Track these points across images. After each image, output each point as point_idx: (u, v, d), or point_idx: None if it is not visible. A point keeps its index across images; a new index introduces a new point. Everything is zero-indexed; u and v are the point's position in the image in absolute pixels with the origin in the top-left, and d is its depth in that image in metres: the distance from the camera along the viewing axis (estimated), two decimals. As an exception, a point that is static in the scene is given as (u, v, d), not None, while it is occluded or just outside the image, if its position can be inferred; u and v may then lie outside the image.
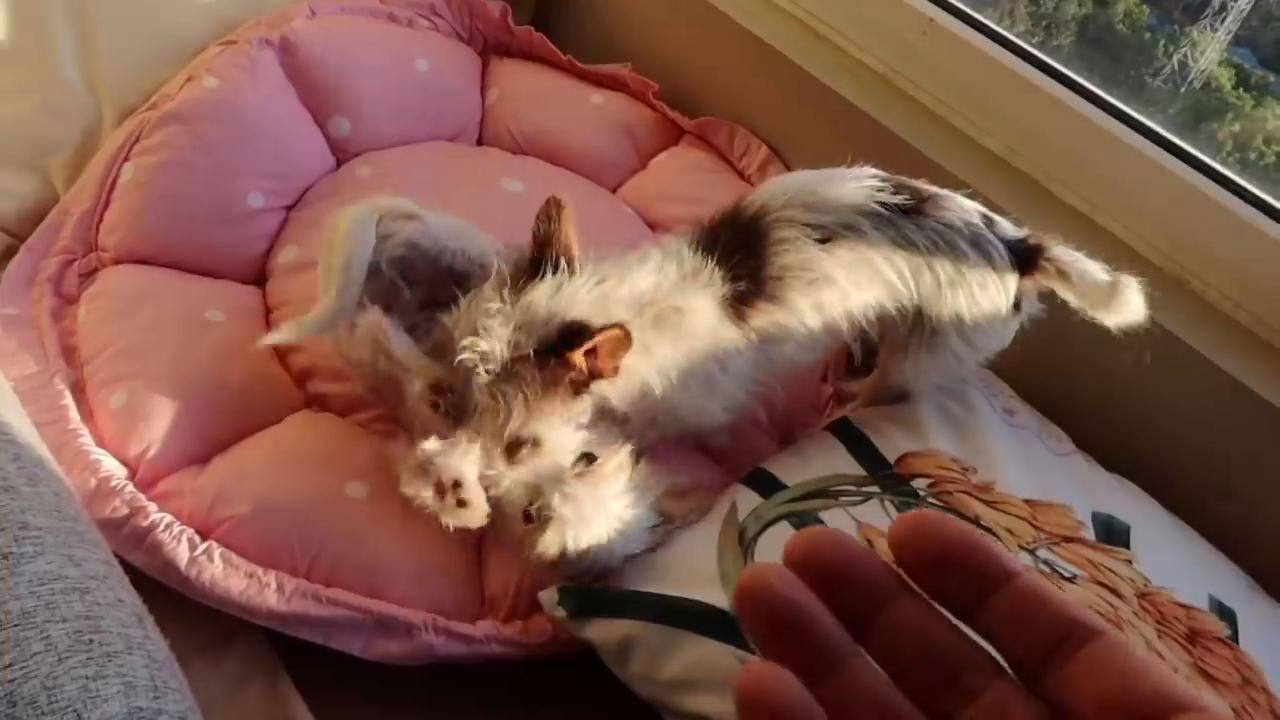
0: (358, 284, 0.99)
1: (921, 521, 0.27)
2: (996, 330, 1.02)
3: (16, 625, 0.72)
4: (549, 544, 0.92)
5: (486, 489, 0.93)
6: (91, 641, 0.75)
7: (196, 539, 0.96)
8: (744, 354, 0.97)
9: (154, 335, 1.09)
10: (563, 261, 0.90)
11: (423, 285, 1.03)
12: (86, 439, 1.01)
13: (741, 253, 0.96)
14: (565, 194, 0.96)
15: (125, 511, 0.96)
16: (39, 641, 0.72)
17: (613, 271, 0.93)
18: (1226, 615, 0.97)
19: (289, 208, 1.27)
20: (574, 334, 0.87)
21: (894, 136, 1.27)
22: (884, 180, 0.97)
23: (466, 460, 0.92)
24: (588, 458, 0.94)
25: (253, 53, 1.28)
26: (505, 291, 0.89)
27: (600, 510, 0.92)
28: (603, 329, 0.85)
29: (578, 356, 0.87)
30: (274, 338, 1.02)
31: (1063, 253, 0.99)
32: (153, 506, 0.97)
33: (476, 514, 0.93)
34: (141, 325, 1.10)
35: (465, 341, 0.88)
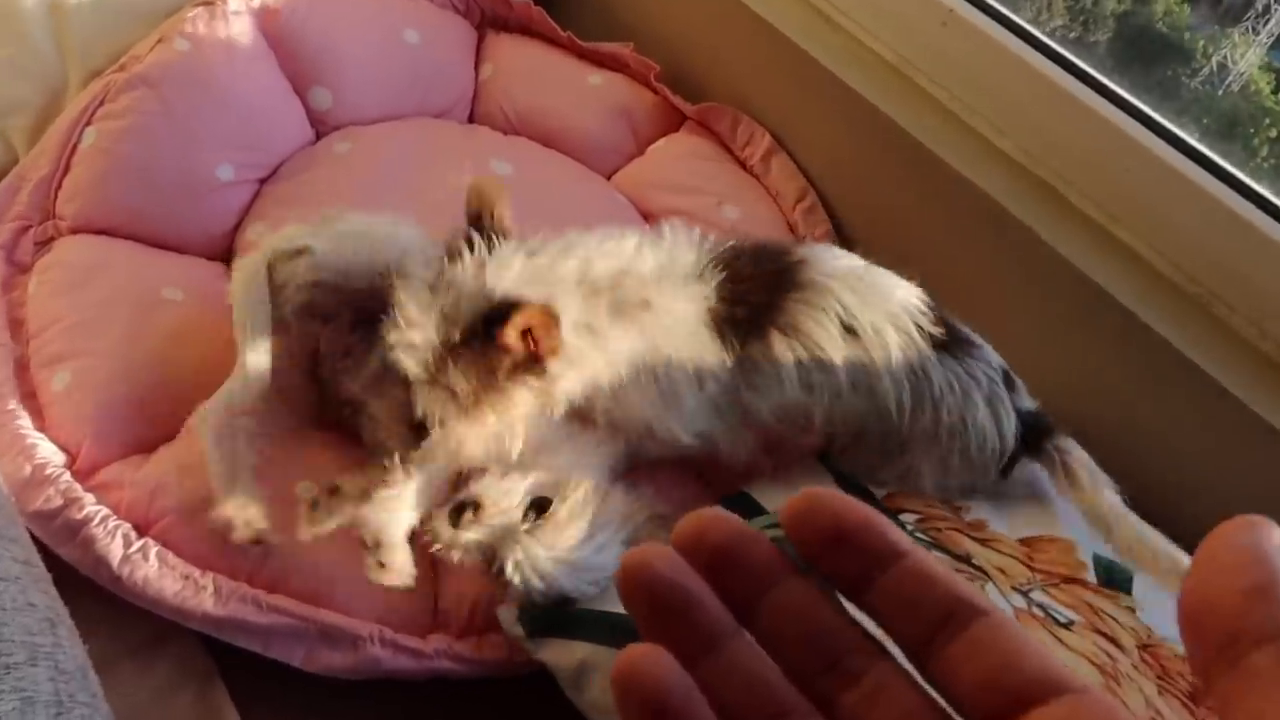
0: (263, 348, 0.90)
1: (814, 497, 0.27)
2: (974, 483, 0.96)
3: (-97, 633, 0.66)
4: (516, 596, 0.87)
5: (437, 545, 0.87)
6: (-11, 652, 0.69)
7: (132, 535, 0.90)
8: (721, 380, 0.89)
9: (106, 312, 1.03)
10: (494, 238, 0.82)
11: (345, 310, 0.94)
12: (24, 421, 0.96)
13: (757, 286, 0.89)
14: (552, 178, 0.92)
15: (59, 502, 0.91)
16: (-73, 652, 0.66)
17: (554, 246, 0.85)
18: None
19: (261, 181, 1.21)
20: (501, 313, 0.79)
21: (904, 133, 1.19)
22: (929, 306, 0.92)
23: (397, 515, 0.85)
24: (538, 505, 0.86)
25: (230, 15, 1.21)
26: (434, 278, 0.82)
27: (560, 564, 0.85)
28: (519, 306, 0.78)
29: (510, 337, 0.79)
30: (202, 413, 0.92)
31: (1073, 449, 0.94)
32: (89, 498, 0.92)
33: (400, 576, 0.86)
34: (94, 300, 1.04)
35: (390, 338, 0.81)
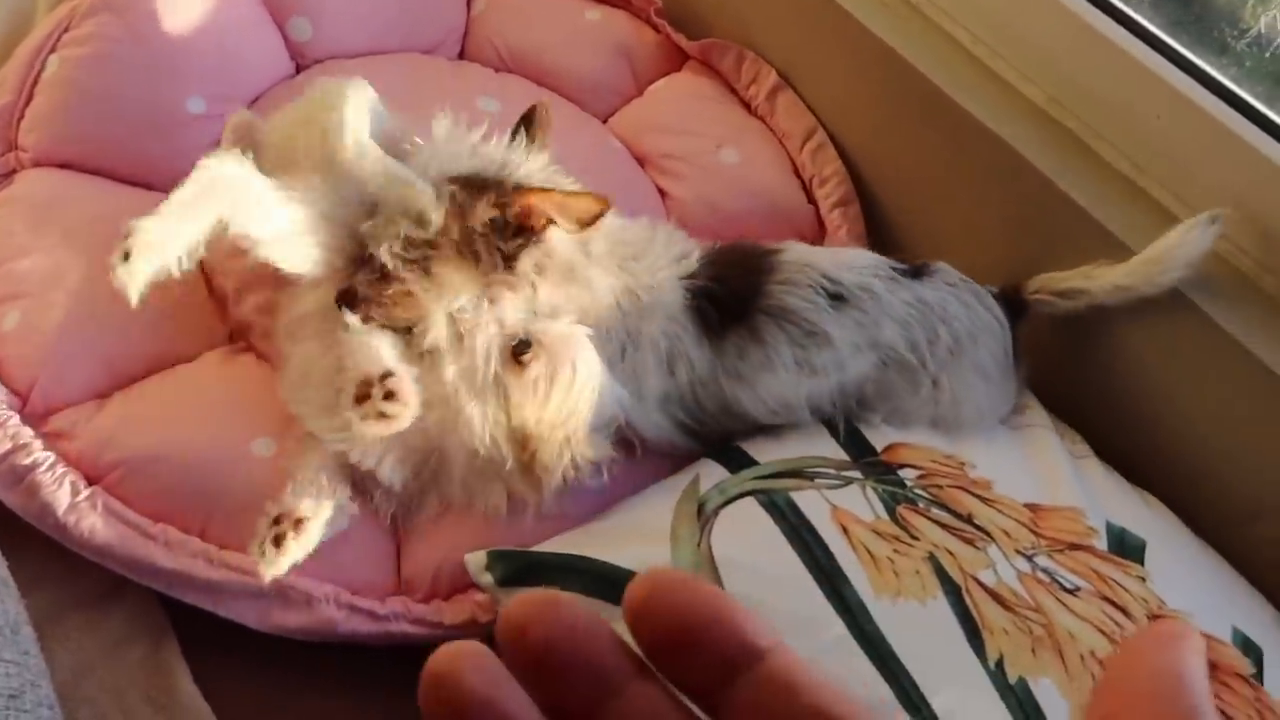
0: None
1: (655, 585, 0.22)
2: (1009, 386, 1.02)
3: None
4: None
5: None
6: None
7: (81, 484, 0.86)
8: (698, 367, 0.91)
9: (65, 250, 0.98)
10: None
11: None
12: (-26, 361, 0.91)
13: (739, 272, 0.93)
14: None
15: (6, 446, 0.87)
16: None
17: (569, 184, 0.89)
18: (1252, 652, 0.85)
19: (237, 115, 1.14)
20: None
21: (920, 75, 1.12)
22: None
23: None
24: (522, 347, 0.84)
25: (205, -62, 1.14)
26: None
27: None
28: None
29: (528, 199, 0.83)
30: None
31: (1043, 279, 1.01)
32: (37, 444, 0.88)
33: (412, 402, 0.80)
34: (53, 238, 0.99)
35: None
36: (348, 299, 0.85)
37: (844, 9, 1.17)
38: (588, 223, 0.83)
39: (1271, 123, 0.98)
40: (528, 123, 0.90)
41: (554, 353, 0.83)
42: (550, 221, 0.84)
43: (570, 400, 0.84)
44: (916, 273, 0.97)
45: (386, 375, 0.79)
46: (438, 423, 0.86)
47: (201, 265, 0.97)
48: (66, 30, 1.09)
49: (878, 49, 1.15)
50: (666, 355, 0.90)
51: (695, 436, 0.95)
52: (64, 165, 1.06)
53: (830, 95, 1.24)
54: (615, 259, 0.89)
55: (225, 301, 1.01)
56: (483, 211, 0.84)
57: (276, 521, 0.80)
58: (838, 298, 0.92)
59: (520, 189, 0.84)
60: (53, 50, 1.09)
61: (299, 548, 0.79)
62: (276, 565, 0.79)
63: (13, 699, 0.66)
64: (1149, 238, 1.00)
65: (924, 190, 1.19)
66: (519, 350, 0.84)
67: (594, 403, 0.84)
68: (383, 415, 0.78)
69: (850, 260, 0.97)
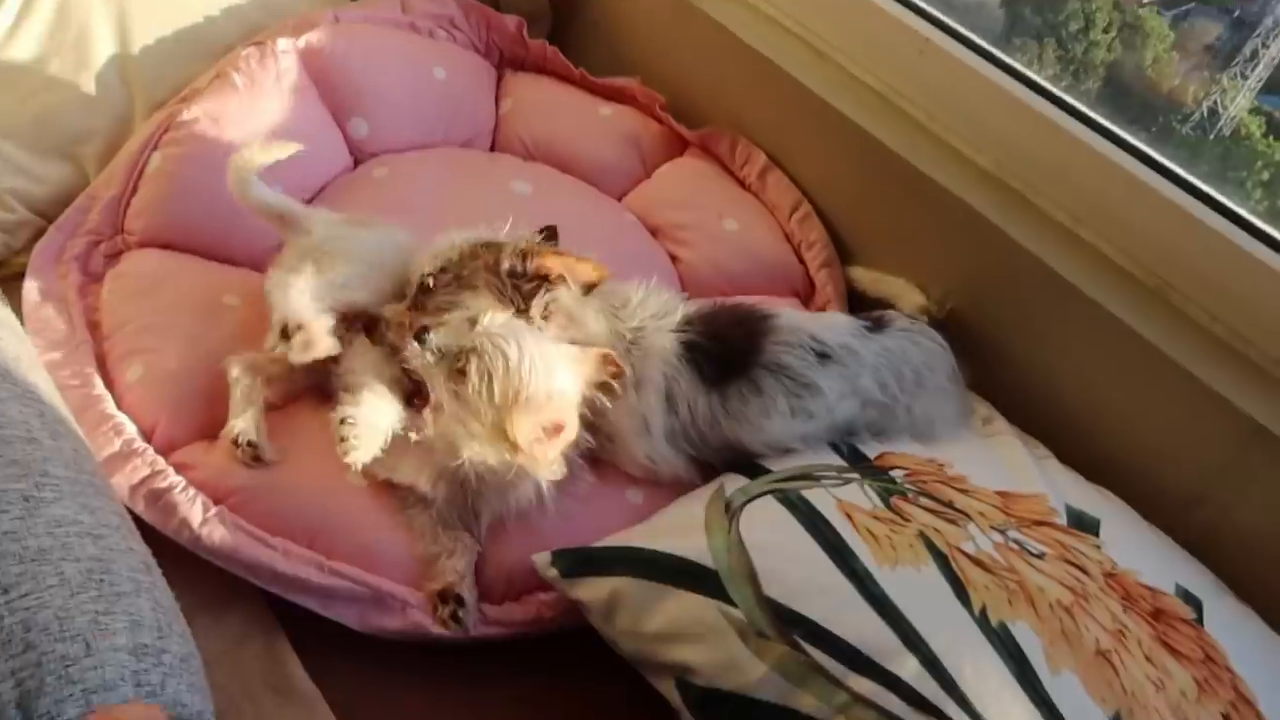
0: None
1: None
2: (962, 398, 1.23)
3: (34, 560, 0.77)
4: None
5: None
6: (102, 581, 0.79)
7: (209, 502, 1.01)
8: (696, 409, 1.08)
9: (173, 315, 1.15)
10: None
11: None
12: (110, 404, 1.07)
13: (737, 332, 1.11)
14: (568, 199, 1.10)
15: (146, 472, 1.02)
16: (54, 576, 0.77)
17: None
18: (1193, 602, 1.01)
19: (307, 202, 1.32)
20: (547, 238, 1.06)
21: (888, 150, 1.32)
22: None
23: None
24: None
25: (278, 53, 1.34)
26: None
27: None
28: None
29: (544, 259, 1.02)
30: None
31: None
32: (171, 470, 1.03)
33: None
34: (161, 305, 1.16)
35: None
36: (370, 327, 1.05)
37: (820, 97, 1.38)
38: (590, 285, 1.04)
39: (1180, 177, 1.18)
40: (549, 235, 1.11)
41: (484, 350, 0.95)
42: (560, 278, 1.04)
43: (512, 380, 0.95)
44: (878, 325, 1.17)
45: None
46: (447, 446, 1.00)
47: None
48: (166, 131, 1.27)
49: (851, 130, 1.35)
50: (667, 394, 1.08)
51: (699, 466, 1.11)
52: (165, 245, 1.23)
53: (813, 171, 1.44)
54: (605, 308, 1.08)
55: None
56: (506, 259, 1.03)
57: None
58: (824, 355, 1.10)
59: (539, 250, 1.04)
60: (155, 148, 1.27)
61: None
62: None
63: (184, 661, 0.80)
64: (1089, 277, 1.20)
65: (896, 246, 1.38)
66: (456, 361, 0.97)
67: (540, 373, 0.95)
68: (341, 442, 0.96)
69: (830, 323, 1.16)
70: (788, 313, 1.16)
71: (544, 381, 0.95)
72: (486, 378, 0.94)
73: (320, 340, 1.00)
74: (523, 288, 1.03)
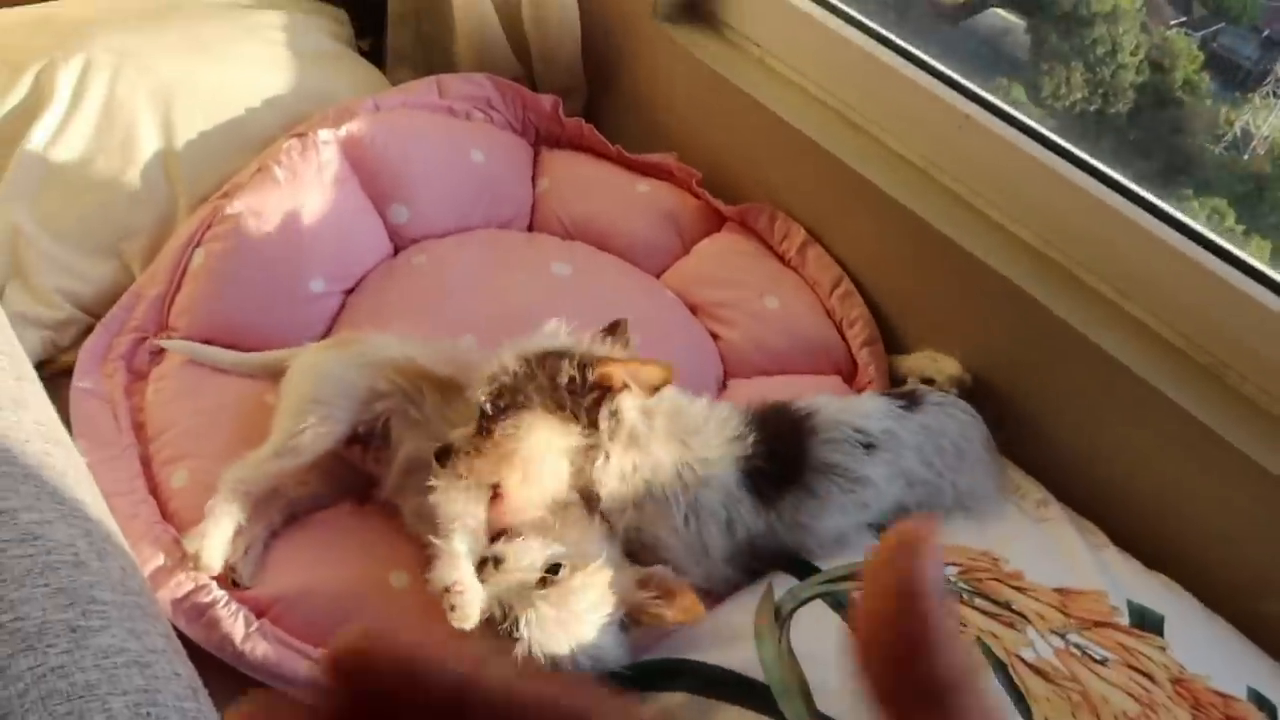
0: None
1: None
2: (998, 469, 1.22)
3: (81, 697, 0.76)
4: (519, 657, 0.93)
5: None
6: (149, 715, 0.79)
7: (251, 616, 1.01)
8: (755, 530, 1.04)
9: (215, 416, 1.16)
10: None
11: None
12: (155, 513, 1.07)
13: (784, 442, 1.06)
14: (607, 278, 1.04)
15: (190, 586, 1.02)
16: (100, 713, 0.76)
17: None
18: (1266, 707, 0.97)
19: (347, 292, 1.34)
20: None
21: (929, 226, 1.30)
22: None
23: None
24: (553, 569, 0.93)
25: (319, 144, 1.35)
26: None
27: (565, 628, 0.92)
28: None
29: (606, 367, 0.96)
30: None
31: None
32: (214, 584, 1.02)
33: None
34: (204, 406, 1.17)
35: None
36: (442, 455, 0.99)
37: (858, 173, 1.37)
38: (656, 387, 0.98)
39: (1228, 252, 1.16)
40: (613, 329, 1.04)
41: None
42: (624, 385, 0.98)
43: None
44: (913, 403, 1.16)
45: (452, 585, 0.92)
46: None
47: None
48: (209, 228, 1.29)
49: (890, 205, 1.34)
50: (726, 523, 1.04)
51: (757, 575, 1.07)
52: (208, 341, 1.24)
53: (852, 247, 1.43)
54: (676, 433, 1.02)
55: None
56: (565, 371, 0.97)
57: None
58: (869, 445, 1.08)
59: (600, 358, 0.98)
60: (198, 245, 1.28)
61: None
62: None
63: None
64: (1133, 352, 1.17)
65: (938, 322, 1.36)
66: (551, 570, 0.93)
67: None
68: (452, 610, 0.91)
69: (869, 409, 1.13)
70: (823, 405, 1.12)
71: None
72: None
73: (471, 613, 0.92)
74: (584, 401, 0.97)
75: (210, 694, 0.92)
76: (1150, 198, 1.21)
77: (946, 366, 1.30)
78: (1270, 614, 1.09)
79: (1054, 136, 1.28)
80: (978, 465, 1.16)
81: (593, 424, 0.98)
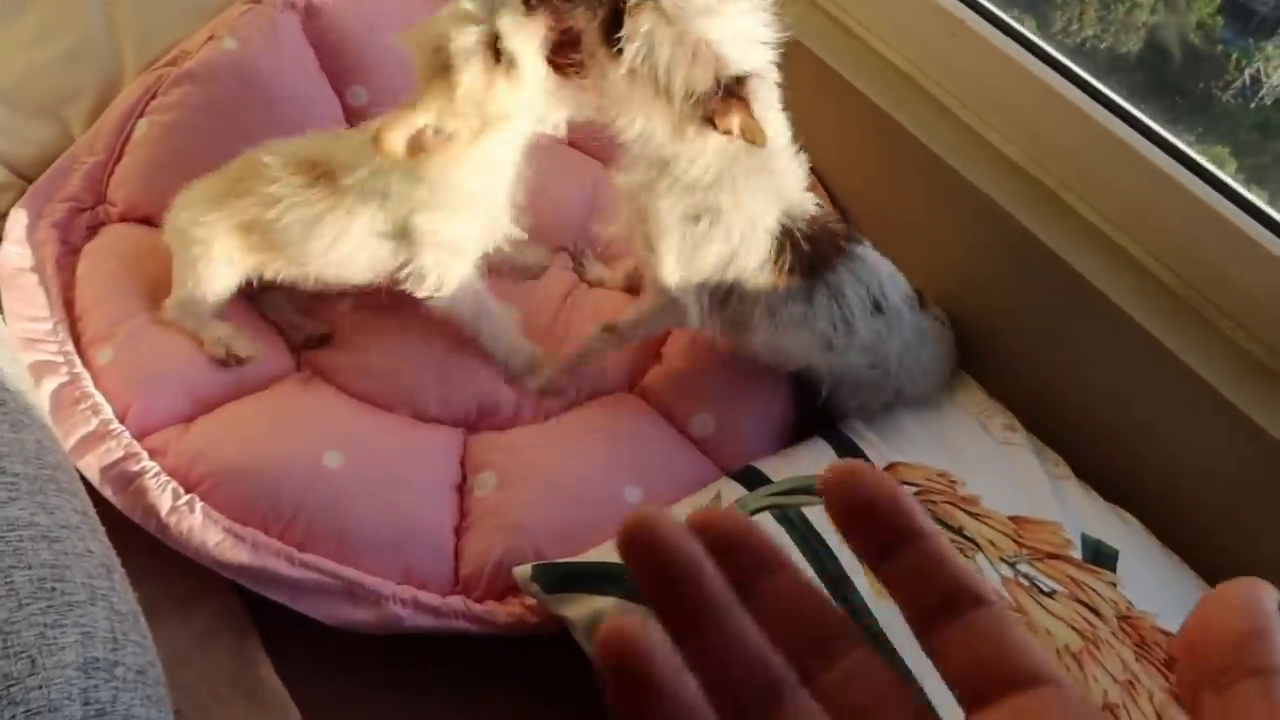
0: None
1: (854, 470, 0.29)
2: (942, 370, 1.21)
3: (-20, 569, 0.73)
4: None
5: None
6: (54, 590, 0.75)
7: (180, 490, 0.97)
8: (746, 285, 1.03)
9: (149, 296, 1.11)
10: None
11: None
12: (89, 383, 1.03)
13: (827, 240, 1.05)
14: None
15: (119, 454, 0.98)
16: (3, 587, 0.73)
17: None
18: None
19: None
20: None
21: (913, 137, 1.24)
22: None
23: None
24: None
25: (276, 15, 1.28)
26: None
27: None
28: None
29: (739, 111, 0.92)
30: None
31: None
32: (144, 454, 0.99)
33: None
34: (136, 288, 1.12)
35: None
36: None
37: (839, 73, 1.30)
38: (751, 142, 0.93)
39: (1218, 179, 1.11)
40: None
41: None
42: (728, 130, 0.93)
43: None
44: (921, 304, 1.14)
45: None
46: None
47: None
48: (154, 97, 1.22)
49: (867, 107, 1.28)
50: (731, 253, 1.02)
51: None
52: (144, 221, 1.18)
53: (832, 154, 1.36)
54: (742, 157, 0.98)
55: (287, 337, 1.14)
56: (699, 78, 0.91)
57: None
58: (878, 307, 1.07)
59: (736, 97, 0.92)
60: (141, 114, 1.21)
61: None
62: None
63: (140, 674, 0.77)
64: (1119, 284, 1.13)
65: (909, 235, 1.29)
66: None
67: None
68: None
69: (897, 281, 1.11)
70: (872, 252, 1.11)
71: None
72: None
73: None
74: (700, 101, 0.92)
75: (135, 573, 0.89)
76: (1149, 122, 1.15)
77: None
78: (1225, 549, 1.07)
79: (1051, 49, 1.21)
80: (930, 390, 1.16)
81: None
